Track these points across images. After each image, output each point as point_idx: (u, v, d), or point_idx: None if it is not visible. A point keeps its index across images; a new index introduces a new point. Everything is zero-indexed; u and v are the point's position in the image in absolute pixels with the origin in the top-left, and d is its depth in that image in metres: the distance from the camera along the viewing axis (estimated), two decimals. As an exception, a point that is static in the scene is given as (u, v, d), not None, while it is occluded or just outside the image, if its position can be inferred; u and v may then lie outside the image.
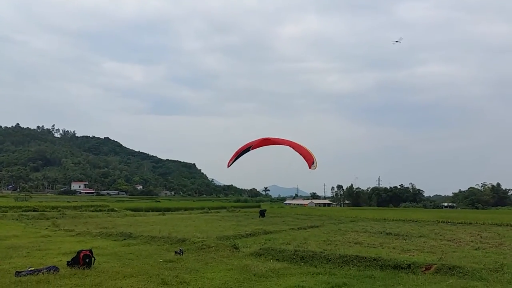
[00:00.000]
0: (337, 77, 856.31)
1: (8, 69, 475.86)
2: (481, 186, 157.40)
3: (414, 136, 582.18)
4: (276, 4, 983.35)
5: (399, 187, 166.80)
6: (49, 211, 42.68)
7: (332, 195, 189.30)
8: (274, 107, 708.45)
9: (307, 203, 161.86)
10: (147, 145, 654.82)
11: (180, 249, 15.70)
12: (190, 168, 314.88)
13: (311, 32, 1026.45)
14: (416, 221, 38.94)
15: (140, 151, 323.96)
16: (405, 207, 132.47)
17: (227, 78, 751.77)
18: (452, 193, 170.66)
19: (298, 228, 28.72)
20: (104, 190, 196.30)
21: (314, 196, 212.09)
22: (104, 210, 49.32)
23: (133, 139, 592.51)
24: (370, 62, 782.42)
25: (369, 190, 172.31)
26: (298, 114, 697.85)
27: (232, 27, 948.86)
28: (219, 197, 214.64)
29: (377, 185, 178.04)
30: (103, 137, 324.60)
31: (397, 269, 12.64)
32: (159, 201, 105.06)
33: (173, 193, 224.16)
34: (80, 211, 46.10)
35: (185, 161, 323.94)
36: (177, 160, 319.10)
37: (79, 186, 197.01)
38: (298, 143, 29.30)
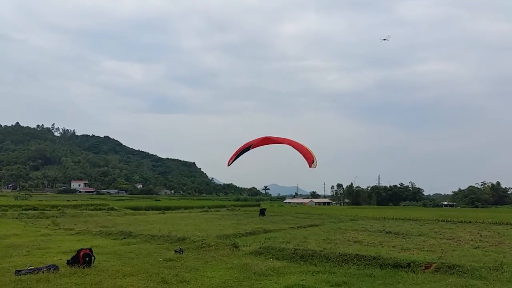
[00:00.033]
0: (337, 76, 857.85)
1: (8, 67, 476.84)
2: (481, 185, 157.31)
3: (413, 135, 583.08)
4: (276, 2, 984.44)
5: (399, 185, 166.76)
6: (49, 210, 42.66)
7: (332, 194, 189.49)
8: (274, 105, 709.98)
9: (307, 202, 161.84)
10: (147, 143, 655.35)
11: (180, 248, 15.72)
12: (190, 167, 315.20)
13: (311, 31, 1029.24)
14: (416, 220, 38.98)
15: (140, 150, 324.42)
16: (404, 205, 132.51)
17: (226, 77, 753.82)
18: (452, 191, 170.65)
19: (298, 227, 28.74)
20: (104, 189, 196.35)
21: (314, 195, 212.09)
22: (104, 209, 49.30)
23: (133, 138, 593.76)
24: (370, 61, 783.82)
25: (369, 188, 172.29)
26: (298, 112, 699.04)
27: (231, 25, 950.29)
28: (219, 195, 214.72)
29: (377, 184, 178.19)
30: (102, 136, 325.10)
31: (396, 268, 12.65)
32: (159, 200, 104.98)
33: (173, 192, 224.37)
34: (80, 210, 46.10)
35: (185, 159, 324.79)
36: (177, 159, 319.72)
37: (79, 185, 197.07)
38: (298, 141, 29.28)
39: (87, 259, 12.29)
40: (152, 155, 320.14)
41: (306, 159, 27.24)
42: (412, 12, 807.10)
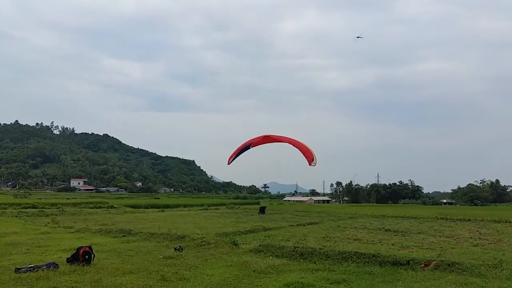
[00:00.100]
0: (337, 74, 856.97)
1: (7, 65, 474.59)
2: (480, 183, 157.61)
3: (413, 133, 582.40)
4: (276, 0, 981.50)
5: (398, 183, 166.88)
6: (49, 208, 42.68)
7: (331, 191, 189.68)
8: (274, 104, 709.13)
9: (306, 199, 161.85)
10: (146, 142, 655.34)
11: (179, 246, 15.73)
12: (189, 165, 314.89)
13: (310, 28, 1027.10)
14: (415, 218, 39.05)
15: (139, 148, 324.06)
16: (404, 203, 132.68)
17: (226, 75, 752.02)
18: (451, 189, 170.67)
19: (297, 225, 28.81)
20: (104, 187, 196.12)
21: (313, 192, 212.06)
22: (104, 207, 49.32)
23: (132, 136, 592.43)
24: (370, 59, 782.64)
25: (368, 186, 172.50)
26: (298, 111, 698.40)
27: (231, 23, 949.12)
28: (218, 194, 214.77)
29: (376, 182, 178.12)
30: (102, 134, 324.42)
31: (396, 266, 12.68)
32: (158, 198, 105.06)
33: (172, 190, 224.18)
34: (80, 208, 46.15)
35: (185, 158, 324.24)
36: (177, 157, 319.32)
37: (78, 183, 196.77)
38: (298, 140, 29.30)
39: (86, 257, 12.29)
40: (152, 153, 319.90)
41: (306, 157, 27.27)
42: (412, 10, 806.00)
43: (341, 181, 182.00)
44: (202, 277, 10.99)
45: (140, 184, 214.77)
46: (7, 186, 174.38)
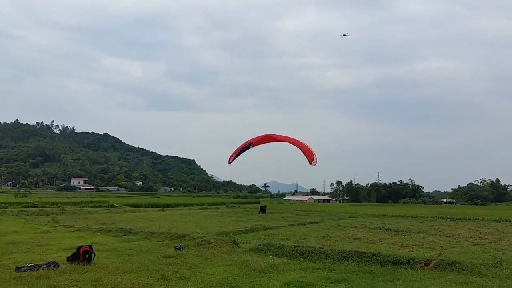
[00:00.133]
0: (337, 73, 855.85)
1: (7, 64, 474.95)
2: (480, 182, 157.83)
3: (413, 132, 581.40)
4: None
5: (398, 183, 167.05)
6: (49, 207, 42.71)
7: (331, 191, 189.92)
8: (274, 103, 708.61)
9: (306, 199, 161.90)
10: (147, 141, 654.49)
11: (179, 245, 15.74)
12: (189, 164, 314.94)
13: (310, 27, 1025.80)
14: (415, 217, 39.08)
15: (140, 147, 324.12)
16: (404, 203, 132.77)
17: (226, 74, 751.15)
18: (451, 189, 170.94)
19: (298, 224, 28.82)
20: (104, 186, 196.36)
21: (313, 192, 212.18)
22: (104, 206, 49.35)
23: (133, 135, 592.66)
24: (370, 58, 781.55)
25: (369, 186, 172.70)
26: (298, 110, 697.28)
27: (231, 22, 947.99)
28: (218, 193, 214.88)
29: (377, 181, 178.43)
30: (102, 133, 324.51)
31: (396, 265, 12.68)
32: (158, 197, 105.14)
33: (172, 189, 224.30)
34: (80, 207, 46.16)
35: (185, 157, 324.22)
36: (177, 156, 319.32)
37: (79, 182, 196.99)
38: (298, 139, 29.30)
39: (87, 256, 12.30)
40: (152, 152, 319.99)
41: (306, 157, 27.26)
42: (412, 8, 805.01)
43: (341, 181, 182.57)
44: (202, 276, 10.99)
45: (141, 183, 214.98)
46: (7, 185, 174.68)
